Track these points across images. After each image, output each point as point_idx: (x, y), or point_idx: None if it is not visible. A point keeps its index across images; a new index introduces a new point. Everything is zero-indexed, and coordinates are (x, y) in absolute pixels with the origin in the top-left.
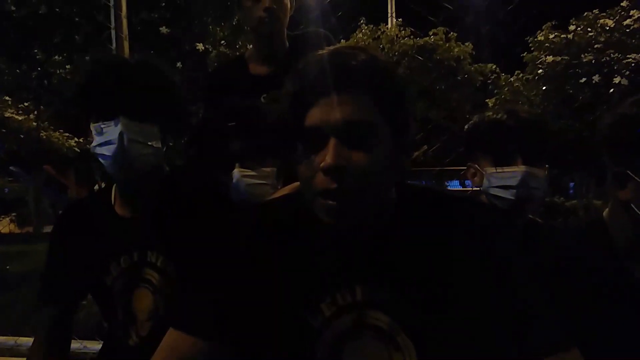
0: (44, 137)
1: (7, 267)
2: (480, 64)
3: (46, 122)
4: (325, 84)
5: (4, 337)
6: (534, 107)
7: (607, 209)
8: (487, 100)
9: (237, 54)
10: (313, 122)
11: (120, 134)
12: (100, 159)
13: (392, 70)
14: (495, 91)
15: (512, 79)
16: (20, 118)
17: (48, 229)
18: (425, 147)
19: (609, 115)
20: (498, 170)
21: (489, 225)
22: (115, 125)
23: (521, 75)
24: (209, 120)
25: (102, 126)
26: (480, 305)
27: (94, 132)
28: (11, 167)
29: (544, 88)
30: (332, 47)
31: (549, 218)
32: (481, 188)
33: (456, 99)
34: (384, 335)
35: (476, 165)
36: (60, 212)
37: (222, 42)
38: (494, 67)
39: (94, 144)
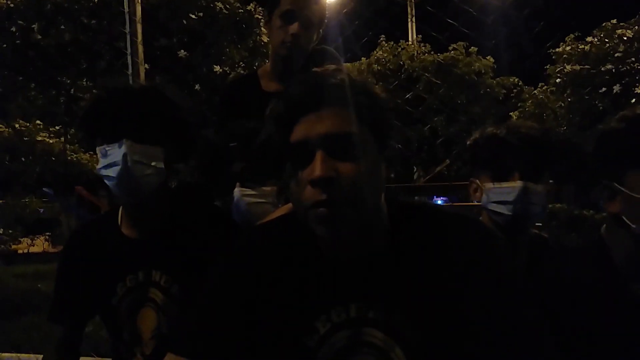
0: (74, 159)
1: (39, 285)
2: (502, 77)
3: (76, 144)
4: (308, 102)
5: (27, 355)
6: (558, 119)
7: (604, 225)
8: (510, 114)
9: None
10: (298, 138)
11: (124, 156)
12: (105, 181)
13: (369, 86)
14: (519, 104)
15: (535, 92)
16: (51, 141)
17: None
18: (447, 161)
19: (597, 130)
20: (496, 186)
21: (482, 243)
22: (119, 148)
23: (545, 87)
24: (212, 141)
25: (107, 149)
26: (472, 321)
27: (99, 155)
28: (44, 189)
29: (569, 100)
30: (313, 70)
31: (578, 231)
32: (481, 203)
33: (478, 113)
34: (378, 352)
35: (477, 181)
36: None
37: (241, 63)
38: (516, 80)
39: (99, 166)
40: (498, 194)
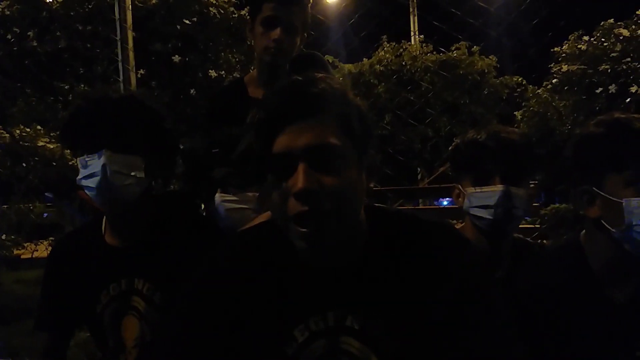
0: (75, 164)
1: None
2: (505, 76)
3: None
4: (289, 112)
5: None
6: (563, 118)
7: (583, 231)
8: (515, 113)
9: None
10: (280, 149)
11: (103, 166)
12: (86, 191)
13: (351, 97)
14: (523, 103)
15: (539, 91)
16: (52, 146)
17: None
18: (449, 163)
19: (576, 135)
20: (477, 190)
21: (455, 251)
22: (99, 158)
23: (549, 86)
24: (195, 148)
25: (87, 159)
26: (445, 329)
27: (79, 166)
28: (46, 194)
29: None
30: (294, 78)
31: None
32: (463, 208)
33: (481, 113)
34: None
35: (459, 186)
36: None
37: (237, 66)
38: (520, 79)
39: (79, 176)
40: (479, 199)
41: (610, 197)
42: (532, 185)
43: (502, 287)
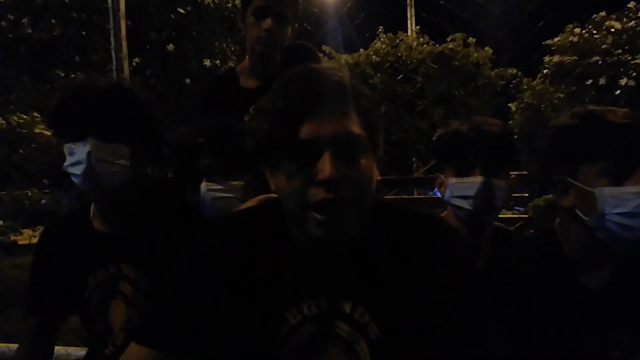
0: None
1: None
2: (501, 68)
3: None
4: (315, 100)
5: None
6: (557, 110)
7: (558, 220)
8: (509, 105)
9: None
10: (307, 136)
11: (88, 154)
12: (72, 178)
13: (367, 89)
14: (518, 95)
15: (534, 83)
16: (48, 133)
17: None
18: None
19: (550, 127)
20: (458, 181)
21: (442, 242)
22: (84, 146)
23: (541, 77)
24: (182, 136)
25: (73, 147)
26: (430, 317)
27: (66, 153)
28: (44, 180)
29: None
30: (312, 66)
31: None
32: (444, 197)
33: (476, 105)
34: (344, 344)
35: (442, 176)
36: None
37: (232, 57)
38: (516, 71)
39: (65, 163)
40: (460, 189)
41: (584, 187)
42: (512, 176)
43: (482, 275)
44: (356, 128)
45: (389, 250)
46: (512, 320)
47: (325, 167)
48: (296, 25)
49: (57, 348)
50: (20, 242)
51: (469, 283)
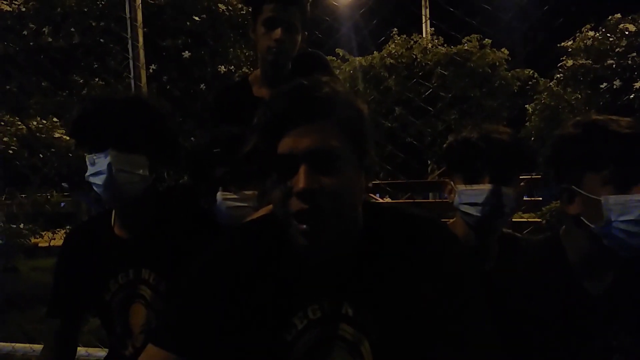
0: None
1: None
2: (517, 69)
3: None
4: (293, 115)
5: (21, 345)
6: (574, 111)
7: (563, 227)
8: (526, 106)
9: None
10: (284, 151)
11: (109, 165)
12: (94, 188)
13: (353, 100)
14: (535, 96)
15: (551, 84)
16: (67, 138)
17: None
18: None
19: (554, 135)
20: (467, 188)
21: (443, 246)
22: (105, 157)
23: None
24: (197, 146)
25: (94, 158)
26: (431, 320)
27: (88, 163)
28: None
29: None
30: (299, 81)
31: None
32: (453, 204)
33: (492, 106)
34: (349, 346)
35: (451, 182)
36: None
37: (247, 62)
38: (532, 72)
39: (87, 173)
40: (469, 196)
41: (589, 195)
42: (522, 184)
43: (489, 280)
44: (335, 142)
45: (388, 252)
46: (515, 325)
47: (300, 179)
48: (306, 33)
49: (78, 349)
50: (40, 245)
51: (470, 284)
